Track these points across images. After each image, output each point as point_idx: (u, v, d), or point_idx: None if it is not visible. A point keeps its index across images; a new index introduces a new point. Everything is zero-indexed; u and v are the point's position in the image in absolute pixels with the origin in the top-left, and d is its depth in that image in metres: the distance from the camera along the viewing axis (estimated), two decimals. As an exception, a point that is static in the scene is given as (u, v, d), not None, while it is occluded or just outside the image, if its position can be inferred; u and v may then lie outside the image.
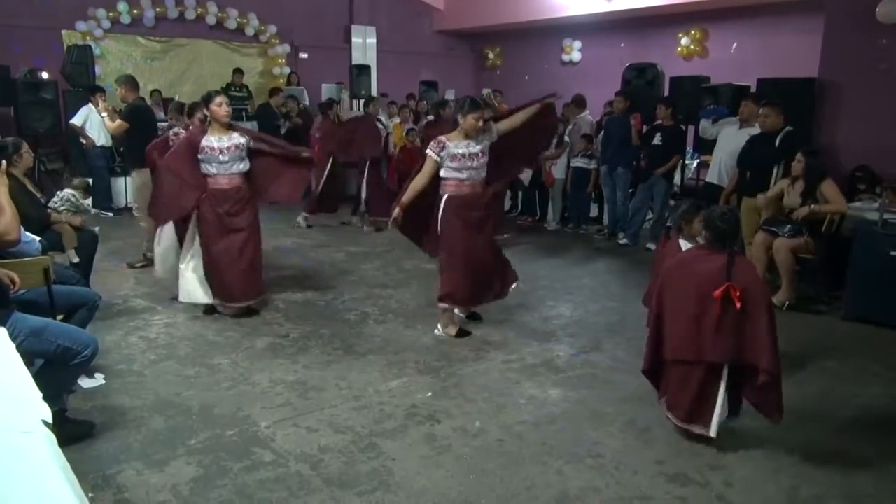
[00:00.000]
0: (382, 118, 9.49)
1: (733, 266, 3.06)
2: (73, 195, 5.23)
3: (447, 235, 4.52)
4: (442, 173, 4.48)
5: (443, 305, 4.67)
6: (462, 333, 4.70)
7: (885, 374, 4.23)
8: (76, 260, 4.86)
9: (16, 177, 4.59)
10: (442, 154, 4.43)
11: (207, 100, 4.80)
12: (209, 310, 5.01)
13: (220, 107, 4.74)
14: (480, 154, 4.49)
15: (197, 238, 4.87)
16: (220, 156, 4.72)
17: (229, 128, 4.83)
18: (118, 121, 6.43)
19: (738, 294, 2.99)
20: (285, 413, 3.56)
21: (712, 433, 3.18)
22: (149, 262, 6.25)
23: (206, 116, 5.12)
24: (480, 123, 4.44)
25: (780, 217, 5.50)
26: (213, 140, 4.73)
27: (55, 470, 1.55)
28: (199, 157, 4.74)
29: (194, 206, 4.79)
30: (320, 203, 8.47)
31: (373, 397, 3.76)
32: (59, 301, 3.59)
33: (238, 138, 4.81)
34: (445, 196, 4.49)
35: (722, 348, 3.08)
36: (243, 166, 4.86)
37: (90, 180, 5.83)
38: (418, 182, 4.51)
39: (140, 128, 6.41)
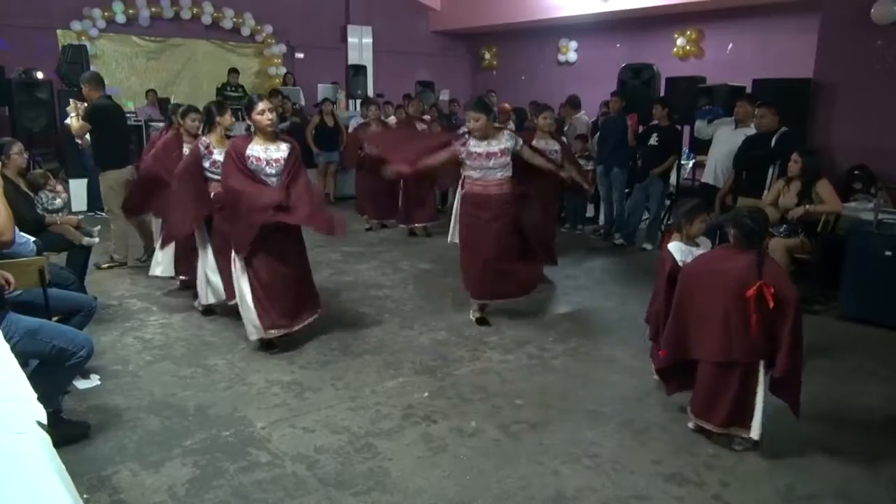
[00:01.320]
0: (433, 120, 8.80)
1: (763, 264, 3.04)
2: (40, 196, 5.11)
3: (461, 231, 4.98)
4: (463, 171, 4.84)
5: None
6: (481, 321, 4.98)
7: (881, 373, 4.25)
8: (97, 240, 4.99)
9: (9, 178, 4.58)
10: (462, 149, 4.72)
11: (248, 107, 4.24)
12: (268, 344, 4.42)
13: (263, 115, 4.15)
14: (499, 154, 4.69)
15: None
16: (267, 167, 4.17)
17: (276, 137, 4.29)
18: (80, 122, 6.07)
19: (771, 292, 2.96)
20: (281, 414, 3.56)
21: (754, 435, 3.15)
22: (117, 264, 6.36)
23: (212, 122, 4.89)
24: (477, 124, 4.62)
25: (775, 217, 5.51)
26: (259, 150, 4.17)
27: (50, 471, 1.55)
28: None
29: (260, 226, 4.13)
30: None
31: (369, 398, 3.76)
32: (55, 305, 3.58)
33: (285, 151, 4.25)
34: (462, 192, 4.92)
35: (754, 348, 3.06)
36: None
37: (42, 171, 5.62)
38: (436, 159, 4.82)
39: (105, 128, 6.10)
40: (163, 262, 5.50)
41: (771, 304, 2.96)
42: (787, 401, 3.18)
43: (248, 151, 4.16)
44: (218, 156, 4.74)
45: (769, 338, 3.05)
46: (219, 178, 4.67)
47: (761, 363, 3.11)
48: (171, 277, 5.59)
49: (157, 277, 5.62)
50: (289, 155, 4.25)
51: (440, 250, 7.30)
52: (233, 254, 4.28)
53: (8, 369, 2.09)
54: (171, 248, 5.39)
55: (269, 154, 4.19)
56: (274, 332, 4.28)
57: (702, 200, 3.93)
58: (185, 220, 4.76)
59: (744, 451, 3.21)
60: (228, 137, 4.85)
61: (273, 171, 4.19)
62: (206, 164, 4.74)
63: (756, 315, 2.99)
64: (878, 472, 3.11)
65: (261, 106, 4.16)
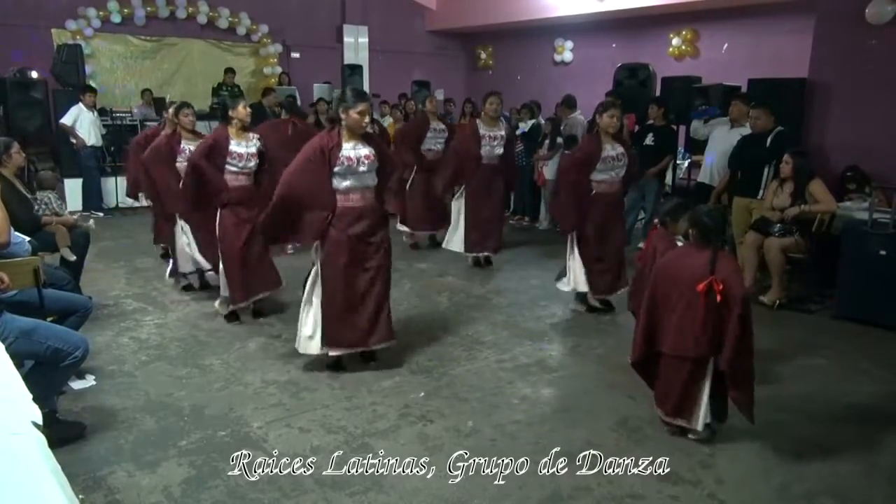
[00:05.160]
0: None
1: (716, 262, 3.10)
2: (49, 197, 5.12)
3: None
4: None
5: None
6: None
7: (874, 372, 4.26)
8: (73, 258, 4.84)
9: (6, 178, 4.57)
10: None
11: (344, 104, 3.86)
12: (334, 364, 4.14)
13: (363, 116, 3.84)
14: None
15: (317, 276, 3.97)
16: (360, 167, 3.87)
17: (363, 136, 3.97)
18: None
19: (720, 288, 3.03)
20: (277, 413, 3.56)
21: (697, 426, 3.21)
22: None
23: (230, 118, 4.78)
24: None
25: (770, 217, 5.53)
26: (349, 148, 3.87)
27: (46, 472, 1.54)
28: (336, 169, 3.83)
29: (320, 232, 3.90)
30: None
31: (365, 397, 3.76)
32: (51, 306, 3.57)
33: (370, 147, 3.97)
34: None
35: (703, 344, 3.11)
36: (374, 180, 4.03)
37: (53, 173, 5.52)
38: None
39: None
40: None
41: (718, 299, 3.02)
42: (739, 402, 3.16)
43: (342, 151, 3.84)
44: (235, 147, 4.77)
45: (719, 335, 3.09)
46: (235, 169, 4.77)
47: (711, 359, 3.16)
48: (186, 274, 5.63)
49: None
50: (376, 150, 4.00)
51: (437, 249, 7.30)
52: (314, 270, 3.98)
53: (3, 370, 2.09)
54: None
55: (358, 152, 3.90)
56: (336, 352, 4.02)
57: (683, 200, 3.97)
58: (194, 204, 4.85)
59: (737, 449, 3.22)
60: (245, 130, 4.84)
61: (365, 169, 3.91)
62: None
63: (704, 309, 3.05)
64: (872, 471, 3.12)
65: (361, 106, 3.84)
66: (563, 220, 5.21)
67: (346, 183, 3.88)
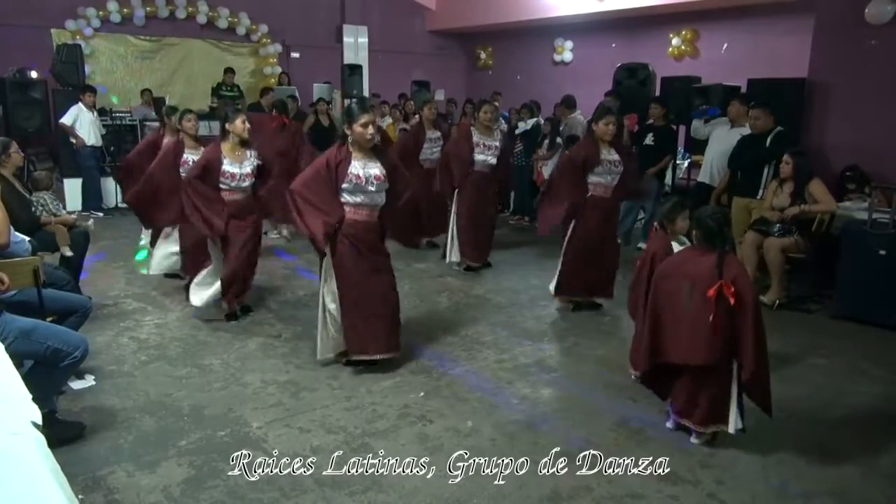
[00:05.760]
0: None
1: (723, 264, 3.06)
2: (45, 198, 5.11)
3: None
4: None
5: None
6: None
7: (873, 372, 4.27)
8: (70, 254, 4.83)
9: (5, 178, 4.57)
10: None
11: (349, 116, 3.85)
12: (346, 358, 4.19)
13: (366, 128, 3.79)
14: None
15: (332, 282, 4.01)
16: (369, 186, 3.85)
17: (373, 151, 3.93)
18: None
19: (731, 291, 2.99)
20: (277, 413, 3.56)
21: (731, 429, 3.17)
22: None
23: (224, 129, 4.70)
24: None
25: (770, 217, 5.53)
26: (359, 166, 3.83)
27: (45, 472, 1.55)
28: (344, 185, 3.82)
29: (327, 234, 3.87)
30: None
31: (365, 397, 3.76)
32: (50, 306, 3.57)
33: (382, 166, 3.94)
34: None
35: (716, 350, 3.06)
36: (384, 199, 4.03)
37: (47, 172, 5.51)
38: None
39: None
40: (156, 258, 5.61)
41: (731, 302, 2.98)
42: (758, 402, 3.18)
43: (350, 169, 3.81)
44: (228, 167, 4.66)
45: (731, 338, 3.05)
46: (226, 188, 4.68)
47: (734, 362, 3.11)
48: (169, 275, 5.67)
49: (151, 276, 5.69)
50: (389, 170, 3.98)
51: (437, 250, 7.30)
52: (325, 276, 4.03)
53: (3, 370, 2.09)
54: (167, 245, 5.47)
55: (368, 171, 3.85)
56: (363, 357, 4.06)
57: (680, 198, 3.96)
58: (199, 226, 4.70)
59: (736, 449, 3.23)
60: (244, 144, 4.74)
61: (374, 189, 3.88)
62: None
63: (716, 315, 3.00)
64: (871, 471, 3.13)
65: (364, 118, 3.80)
66: (553, 216, 5.17)
67: (357, 199, 3.89)
